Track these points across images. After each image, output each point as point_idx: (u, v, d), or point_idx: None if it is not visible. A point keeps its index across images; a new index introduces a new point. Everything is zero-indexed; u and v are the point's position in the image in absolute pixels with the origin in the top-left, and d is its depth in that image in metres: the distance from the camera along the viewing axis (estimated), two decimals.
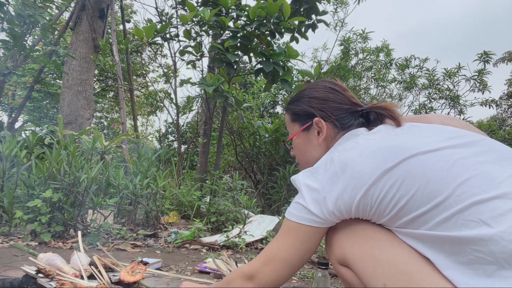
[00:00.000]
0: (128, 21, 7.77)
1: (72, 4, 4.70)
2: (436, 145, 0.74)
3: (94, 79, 9.16)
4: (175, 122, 4.24)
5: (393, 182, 0.73)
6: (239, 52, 3.71)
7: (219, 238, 2.43)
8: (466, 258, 0.64)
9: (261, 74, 3.73)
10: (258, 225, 2.73)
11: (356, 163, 0.78)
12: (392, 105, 0.93)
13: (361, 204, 0.77)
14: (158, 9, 4.50)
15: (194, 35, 3.76)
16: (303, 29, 3.86)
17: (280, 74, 3.64)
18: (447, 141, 0.76)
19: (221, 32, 3.61)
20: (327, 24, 4.18)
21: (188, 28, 3.64)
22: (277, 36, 3.59)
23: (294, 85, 4.23)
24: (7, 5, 3.07)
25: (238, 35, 3.55)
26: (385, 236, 0.77)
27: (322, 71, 4.64)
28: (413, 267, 0.71)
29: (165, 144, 8.10)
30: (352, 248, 0.81)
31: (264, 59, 3.59)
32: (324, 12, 3.98)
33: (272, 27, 3.38)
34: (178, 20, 3.83)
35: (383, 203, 0.74)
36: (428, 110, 5.96)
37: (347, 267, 0.84)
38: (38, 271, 1.20)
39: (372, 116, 0.95)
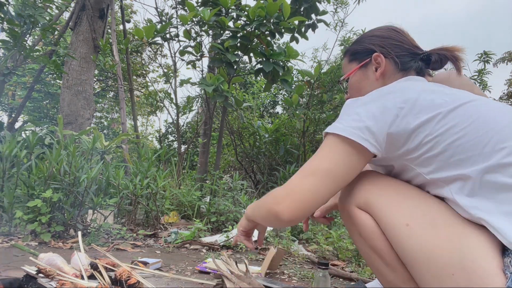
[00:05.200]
0: (128, 21, 7.77)
1: (72, 4, 4.69)
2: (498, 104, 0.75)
3: (94, 79, 9.15)
4: (175, 122, 4.24)
5: (458, 120, 0.70)
6: (239, 52, 3.71)
7: (219, 238, 2.43)
8: None
9: (261, 74, 3.73)
10: None
11: (414, 92, 0.76)
12: (455, 47, 0.89)
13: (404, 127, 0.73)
14: (158, 9, 4.51)
15: (194, 35, 3.76)
16: (303, 29, 3.86)
17: (280, 74, 3.64)
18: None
19: (221, 32, 3.61)
20: (327, 24, 4.18)
21: (188, 28, 3.64)
22: (277, 36, 3.59)
23: (294, 85, 4.23)
24: (7, 5, 3.07)
25: (238, 35, 3.55)
26: (414, 190, 0.76)
27: (322, 71, 4.64)
28: (438, 212, 0.70)
29: (165, 144, 8.10)
30: (378, 193, 0.78)
31: (264, 59, 3.59)
32: (324, 12, 3.98)
33: (272, 27, 3.39)
34: (178, 20, 3.83)
35: (443, 137, 0.70)
36: None
37: (366, 212, 0.80)
38: (39, 271, 1.20)
39: (434, 57, 0.92)
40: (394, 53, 0.93)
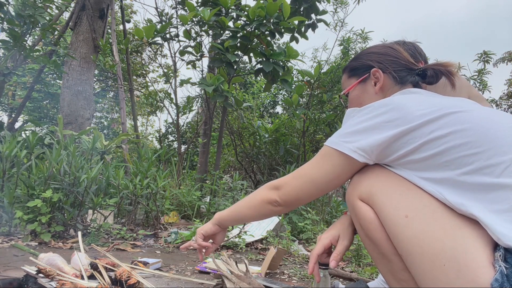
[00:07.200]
0: (128, 21, 7.76)
1: (72, 4, 4.69)
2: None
3: (94, 79, 9.14)
4: (175, 122, 4.24)
5: (443, 127, 0.73)
6: (239, 52, 3.71)
7: None
8: (508, 206, 0.64)
9: (261, 74, 3.73)
10: (258, 225, 2.73)
11: (406, 105, 0.79)
12: (448, 63, 0.94)
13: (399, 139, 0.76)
14: (158, 9, 4.51)
15: (194, 35, 3.76)
16: (303, 29, 3.86)
17: (280, 74, 3.64)
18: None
19: (221, 32, 3.61)
20: (327, 24, 4.18)
21: (188, 28, 3.64)
22: (277, 36, 3.59)
23: (294, 85, 4.23)
24: (7, 5, 3.07)
25: (238, 35, 3.55)
26: (415, 186, 0.78)
27: (322, 71, 4.64)
28: (439, 206, 0.71)
29: (165, 144, 8.10)
30: (381, 185, 0.81)
31: (264, 59, 3.59)
32: (324, 12, 3.98)
33: (272, 27, 3.39)
34: (178, 20, 3.83)
35: (431, 143, 0.73)
36: None
37: (367, 204, 0.84)
38: (39, 271, 1.20)
39: (429, 72, 0.96)
40: (392, 68, 0.99)
